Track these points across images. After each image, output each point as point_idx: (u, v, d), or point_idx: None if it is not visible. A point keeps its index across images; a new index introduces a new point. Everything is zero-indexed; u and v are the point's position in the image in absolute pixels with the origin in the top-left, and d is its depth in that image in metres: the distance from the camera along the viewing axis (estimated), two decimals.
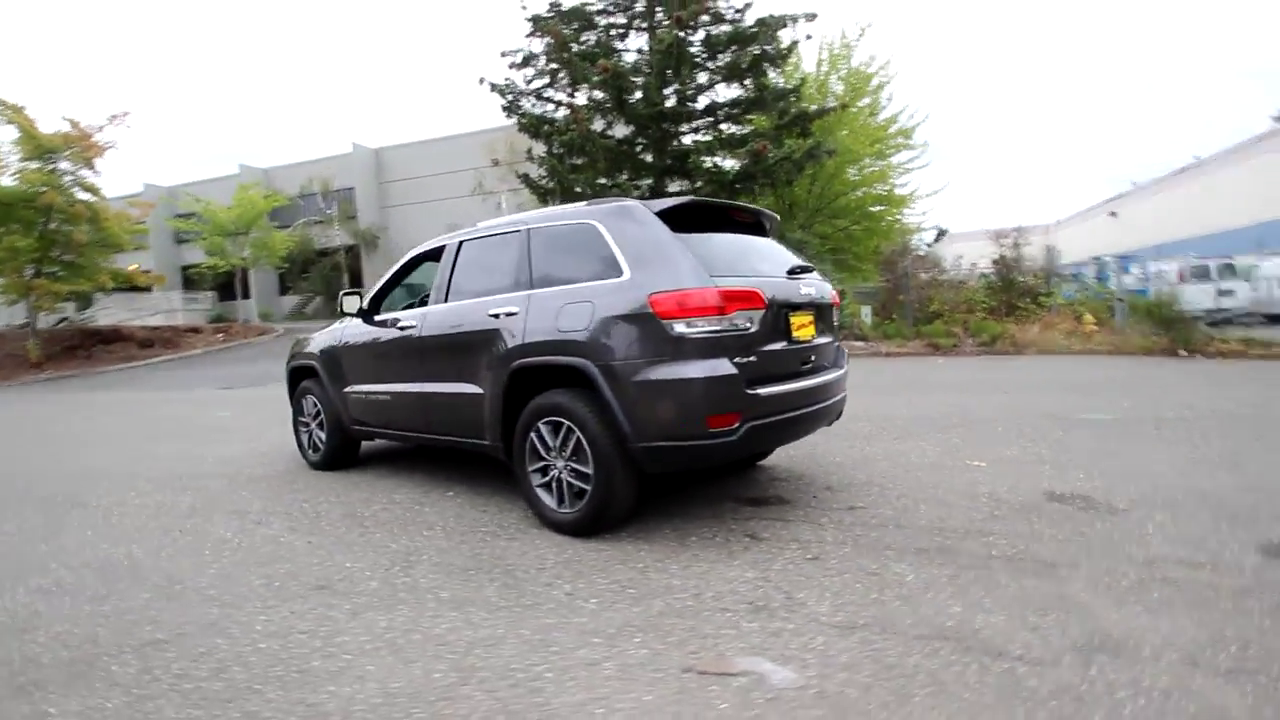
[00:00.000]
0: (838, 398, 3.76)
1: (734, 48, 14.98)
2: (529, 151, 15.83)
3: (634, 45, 16.43)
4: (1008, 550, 2.98)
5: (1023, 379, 8.66)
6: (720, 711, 1.90)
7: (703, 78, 15.69)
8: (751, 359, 3.11)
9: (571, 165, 15.50)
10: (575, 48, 15.11)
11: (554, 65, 16.03)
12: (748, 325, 3.11)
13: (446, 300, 4.10)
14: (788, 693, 1.97)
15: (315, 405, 5.11)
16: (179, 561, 3.33)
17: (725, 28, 15.15)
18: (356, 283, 33.08)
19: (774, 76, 16.34)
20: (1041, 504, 3.57)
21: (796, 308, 3.44)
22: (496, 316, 3.65)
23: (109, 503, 4.53)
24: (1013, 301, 13.39)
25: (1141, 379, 8.34)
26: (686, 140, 16.33)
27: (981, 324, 12.34)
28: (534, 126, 16.04)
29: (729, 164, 15.60)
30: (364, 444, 5.35)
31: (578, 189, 15.42)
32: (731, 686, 2.02)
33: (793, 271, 3.63)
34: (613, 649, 2.28)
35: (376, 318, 4.66)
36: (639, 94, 14.70)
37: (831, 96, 18.05)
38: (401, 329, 4.30)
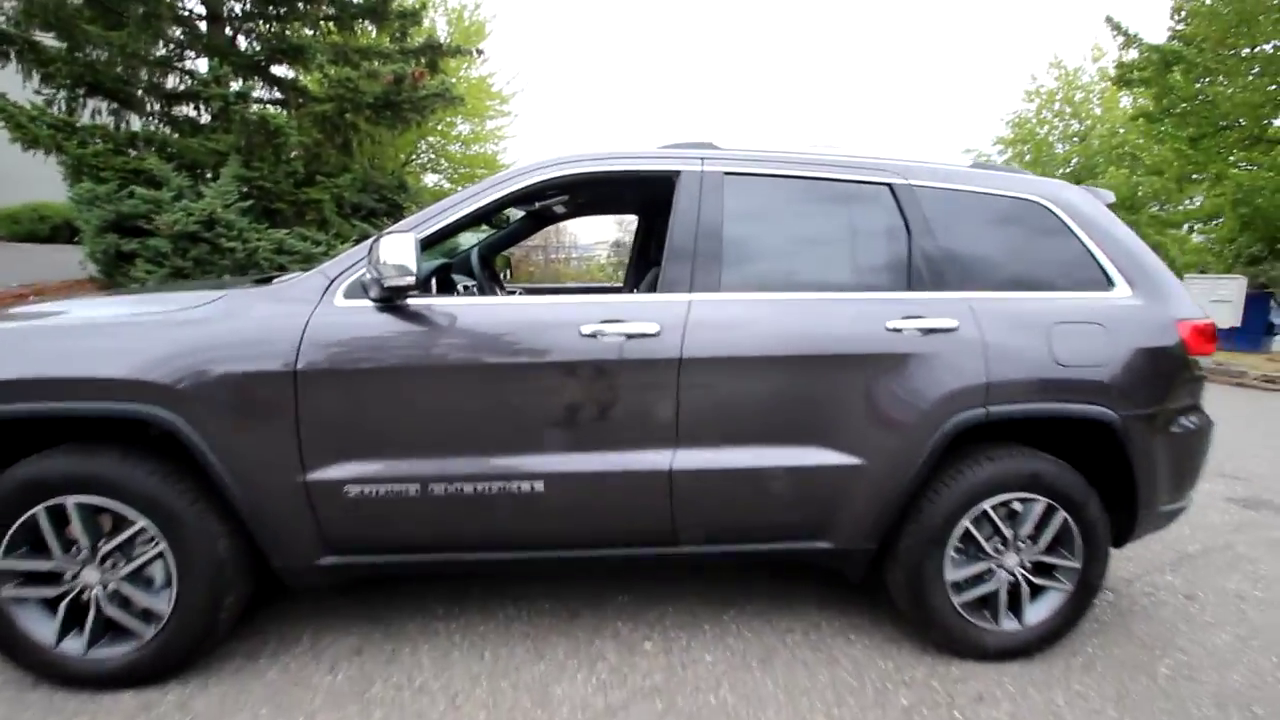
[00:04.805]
0: None
1: None
2: None
3: None
4: None
5: None
6: None
7: None
8: None
9: (80, 11, 9.69)
10: None
11: None
12: None
13: (720, 286, 2.11)
14: None
15: (108, 525, 1.90)
16: None
17: None
18: None
19: None
20: None
21: None
22: (900, 331, 2.11)
23: None
24: None
25: None
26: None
27: None
28: None
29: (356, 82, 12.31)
30: None
31: (95, 55, 9.85)
32: None
33: None
34: None
35: (442, 304, 2.03)
36: None
37: (431, 36, 16.26)
38: (602, 334, 1.99)
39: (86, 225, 9.38)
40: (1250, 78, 14.01)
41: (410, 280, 1.82)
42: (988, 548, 2.23)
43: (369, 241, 1.89)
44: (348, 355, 1.90)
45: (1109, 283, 2.31)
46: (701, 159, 2.22)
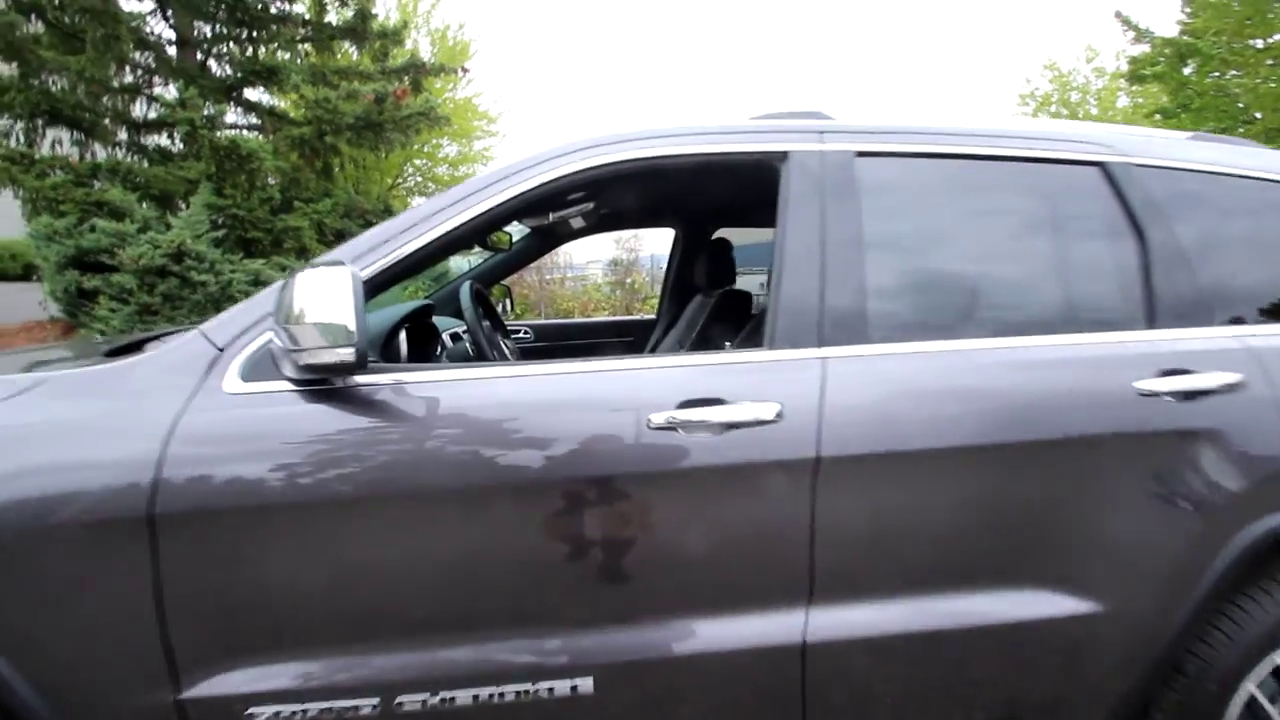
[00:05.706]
0: None
1: None
2: None
3: None
4: None
5: None
6: None
7: None
8: None
9: (37, 38, 9.12)
10: None
11: None
12: None
13: (868, 334, 1.32)
14: None
15: None
16: None
17: None
18: None
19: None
20: None
21: None
22: (1156, 395, 1.32)
23: None
24: (630, 303, 14.33)
25: None
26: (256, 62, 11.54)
27: None
28: None
29: (330, 102, 11.67)
30: None
31: (53, 85, 9.26)
32: None
33: None
34: None
35: (416, 381, 1.22)
36: None
37: (414, 56, 15.83)
38: (685, 424, 1.19)
39: (45, 262, 8.77)
40: (1267, 67, 13.54)
41: (348, 355, 1.02)
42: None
43: (276, 285, 1.09)
44: (246, 482, 1.10)
45: None
46: (820, 133, 1.44)
